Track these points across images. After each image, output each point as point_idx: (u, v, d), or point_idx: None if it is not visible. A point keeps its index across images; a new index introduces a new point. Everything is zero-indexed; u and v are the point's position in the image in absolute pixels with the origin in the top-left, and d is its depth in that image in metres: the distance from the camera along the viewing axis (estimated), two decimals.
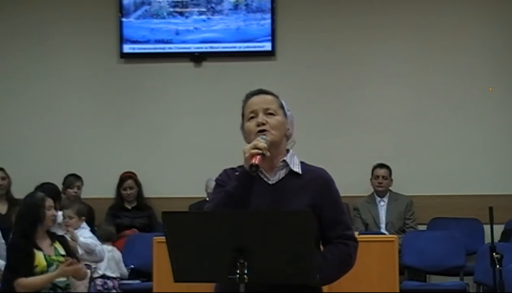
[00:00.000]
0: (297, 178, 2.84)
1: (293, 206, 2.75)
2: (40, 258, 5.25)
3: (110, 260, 6.63)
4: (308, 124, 7.16)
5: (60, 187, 7.18)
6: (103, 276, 6.53)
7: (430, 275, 7.08)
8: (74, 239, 5.98)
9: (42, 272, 5.21)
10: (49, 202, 5.39)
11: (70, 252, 5.58)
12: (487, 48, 7.66)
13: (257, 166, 2.67)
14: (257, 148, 2.69)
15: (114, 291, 6.51)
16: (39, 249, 5.31)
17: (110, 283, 6.51)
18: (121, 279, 6.63)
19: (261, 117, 2.82)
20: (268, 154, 2.72)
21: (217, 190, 2.84)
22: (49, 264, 5.28)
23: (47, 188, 6.68)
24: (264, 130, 2.80)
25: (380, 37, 7.72)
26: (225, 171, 2.92)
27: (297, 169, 2.86)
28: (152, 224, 7.37)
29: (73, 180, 7.30)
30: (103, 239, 6.65)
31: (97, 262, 6.33)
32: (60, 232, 5.87)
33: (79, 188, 7.29)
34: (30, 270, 5.19)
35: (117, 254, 6.67)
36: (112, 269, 6.58)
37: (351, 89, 7.75)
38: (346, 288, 3.83)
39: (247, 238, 2.46)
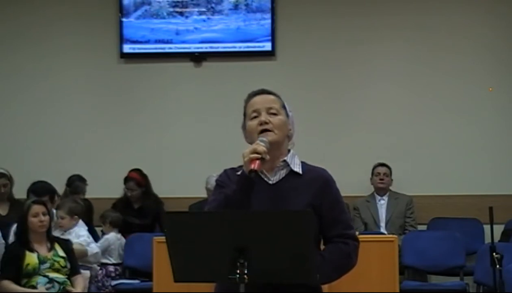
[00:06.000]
0: (297, 178, 2.83)
1: (292, 206, 2.75)
2: (32, 258, 5.37)
3: (118, 248, 6.74)
4: (308, 124, 7.15)
5: (62, 186, 7.16)
6: (115, 264, 6.74)
7: (430, 275, 7.08)
8: None
9: (34, 269, 5.32)
10: (36, 209, 5.45)
11: (70, 253, 5.61)
12: (487, 48, 7.66)
13: (256, 171, 2.66)
14: (256, 152, 2.68)
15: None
16: (34, 250, 5.40)
17: (120, 269, 6.77)
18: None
19: (264, 116, 2.81)
20: (267, 157, 2.70)
21: (217, 191, 2.84)
22: (42, 262, 5.37)
23: (39, 186, 6.67)
24: (266, 130, 2.79)
25: (380, 37, 7.72)
26: (225, 171, 2.91)
27: (297, 168, 2.86)
28: (155, 226, 7.30)
29: (81, 185, 7.20)
30: (113, 225, 6.78)
31: (94, 263, 6.35)
32: (56, 233, 5.89)
33: (84, 193, 7.22)
34: (16, 271, 5.31)
35: (123, 242, 6.89)
36: (121, 257, 6.83)
37: (351, 89, 7.75)
38: (346, 288, 3.83)
39: (247, 238, 2.46)
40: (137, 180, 7.44)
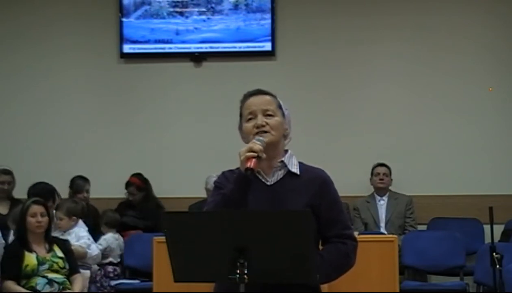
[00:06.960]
0: (295, 178, 2.83)
1: (290, 206, 2.75)
2: (31, 258, 5.36)
3: (117, 248, 6.75)
4: (307, 124, 7.17)
5: (65, 188, 7.15)
6: (117, 264, 6.74)
7: (430, 275, 7.08)
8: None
9: (32, 271, 5.32)
10: (35, 209, 5.44)
11: (68, 253, 5.61)
12: (487, 48, 7.66)
13: (252, 169, 2.66)
14: (252, 151, 2.69)
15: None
16: (33, 251, 5.40)
17: (118, 269, 6.74)
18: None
19: (260, 119, 2.81)
20: (264, 156, 2.71)
21: (215, 193, 2.84)
22: (41, 263, 5.36)
23: (39, 188, 6.67)
24: (263, 132, 2.79)
25: (380, 37, 7.72)
26: (223, 173, 2.91)
27: (295, 169, 2.86)
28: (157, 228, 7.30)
29: (82, 184, 7.21)
30: (109, 226, 6.78)
31: (93, 264, 6.35)
32: (56, 234, 5.89)
33: (87, 191, 7.25)
34: (17, 271, 5.32)
35: (121, 242, 6.89)
36: (120, 257, 6.82)
37: (351, 89, 7.75)
38: (346, 288, 3.84)
39: (247, 238, 2.46)
40: (137, 184, 7.47)
